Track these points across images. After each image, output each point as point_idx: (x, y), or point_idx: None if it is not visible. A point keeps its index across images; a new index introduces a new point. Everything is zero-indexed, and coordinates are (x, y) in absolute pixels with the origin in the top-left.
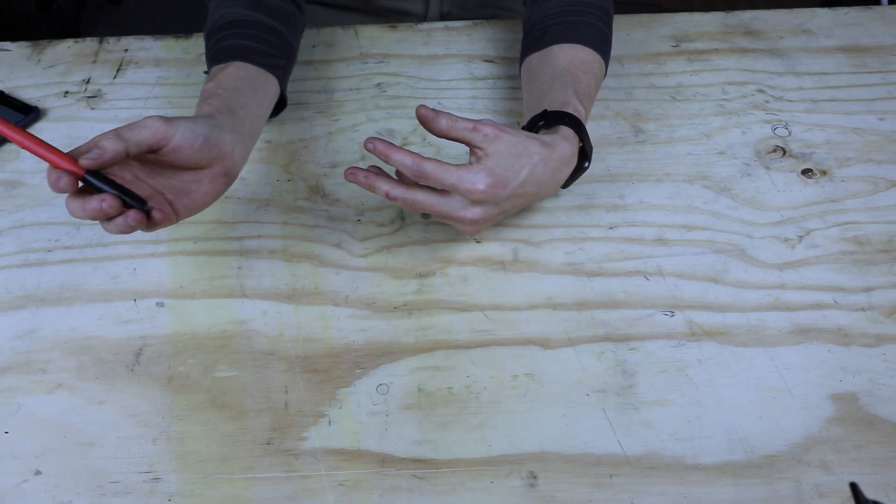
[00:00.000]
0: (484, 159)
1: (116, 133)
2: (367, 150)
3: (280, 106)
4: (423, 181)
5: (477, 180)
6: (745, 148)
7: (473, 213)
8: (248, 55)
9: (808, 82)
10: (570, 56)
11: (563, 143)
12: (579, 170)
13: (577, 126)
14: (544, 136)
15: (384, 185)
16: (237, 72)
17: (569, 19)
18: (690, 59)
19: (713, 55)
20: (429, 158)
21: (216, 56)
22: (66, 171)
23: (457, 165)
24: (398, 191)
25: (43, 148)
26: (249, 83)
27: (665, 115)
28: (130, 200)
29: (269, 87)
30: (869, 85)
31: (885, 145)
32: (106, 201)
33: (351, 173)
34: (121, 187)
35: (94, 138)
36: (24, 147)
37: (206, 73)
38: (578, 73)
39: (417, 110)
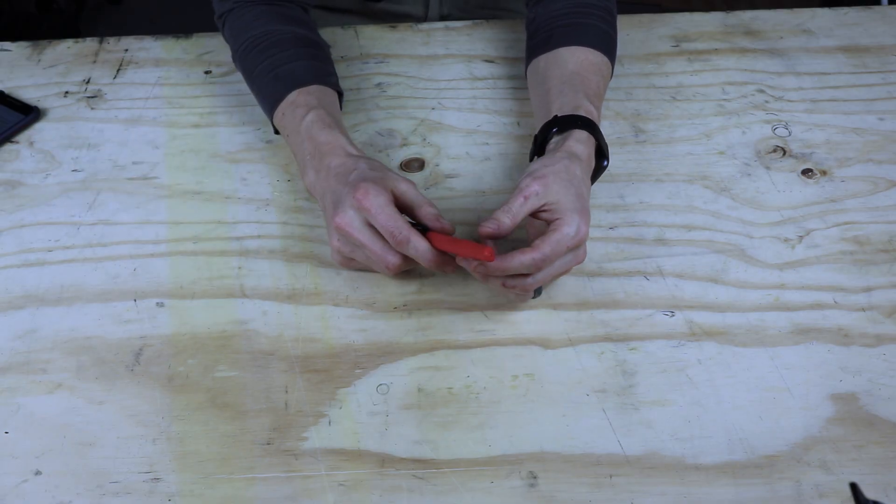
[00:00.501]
0: (558, 207)
1: (430, 205)
2: (477, 273)
3: None
4: (547, 265)
5: (578, 228)
6: (745, 148)
7: (579, 257)
8: (320, 78)
9: (808, 82)
10: (579, 59)
11: (579, 146)
12: (599, 169)
13: (591, 127)
14: (564, 150)
15: (499, 279)
16: (328, 97)
17: (575, 21)
18: (690, 59)
19: (713, 55)
20: (540, 243)
21: (288, 78)
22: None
23: (553, 230)
24: (517, 281)
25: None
26: (336, 106)
27: (665, 115)
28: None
29: (337, 103)
30: (869, 85)
31: (885, 145)
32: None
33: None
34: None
35: (433, 221)
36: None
37: (207, 72)
38: (587, 74)
39: (481, 233)
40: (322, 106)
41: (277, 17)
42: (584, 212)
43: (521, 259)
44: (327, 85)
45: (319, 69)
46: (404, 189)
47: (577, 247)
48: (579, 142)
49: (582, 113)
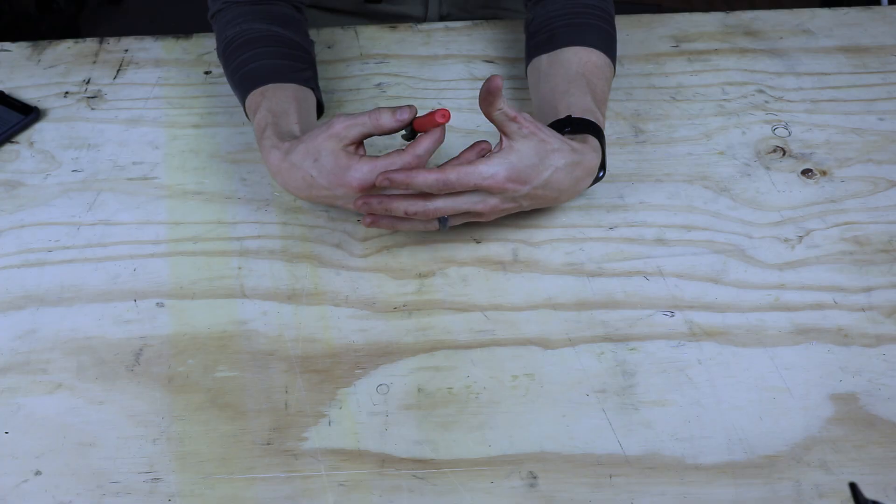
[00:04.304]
0: (508, 152)
1: (393, 107)
2: (381, 185)
3: (319, 113)
4: (449, 190)
5: (496, 172)
6: (745, 148)
7: (488, 204)
8: (279, 75)
9: (808, 82)
10: (583, 60)
11: (592, 154)
12: (595, 179)
13: (600, 136)
14: (574, 143)
15: (402, 204)
16: (276, 93)
17: (576, 21)
18: (690, 60)
19: (713, 55)
20: (449, 168)
21: (247, 80)
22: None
23: (476, 161)
24: (418, 205)
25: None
26: (293, 101)
27: (665, 115)
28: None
29: (309, 99)
30: (869, 85)
31: (885, 145)
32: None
33: (364, 204)
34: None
35: (387, 118)
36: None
37: (207, 72)
38: (593, 78)
39: (494, 80)
40: (265, 108)
41: (258, 15)
42: (521, 179)
43: (423, 176)
44: (290, 81)
45: (282, 67)
46: (347, 134)
47: (489, 191)
48: (594, 150)
49: (593, 119)
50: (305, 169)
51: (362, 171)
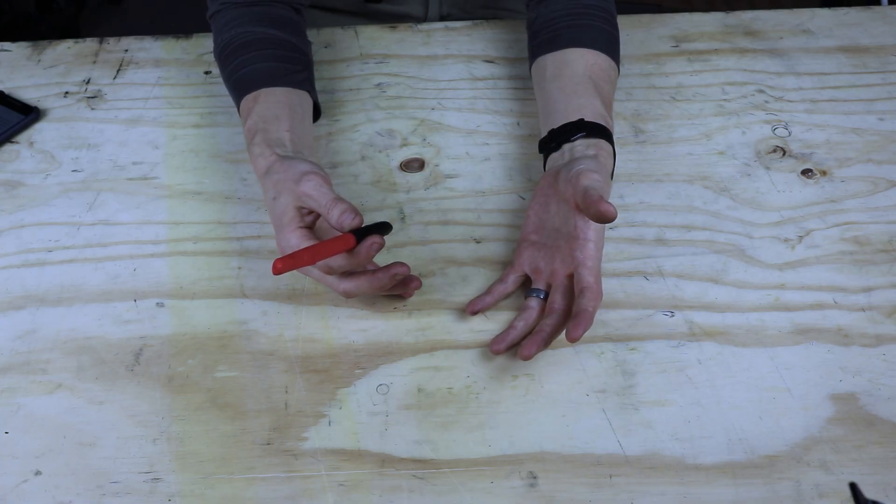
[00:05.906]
0: (585, 245)
1: (349, 207)
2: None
3: (315, 114)
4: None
5: (596, 272)
6: (745, 148)
7: (595, 293)
8: (272, 79)
9: (808, 82)
10: (590, 62)
11: (610, 160)
12: None
13: (612, 141)
14: (602, 159)
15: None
16: (268, 98)
17: (579, 22)
18: (690, 60)
19: (713, 55)
20: (588, 303)
21: (241, 85)
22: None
23: (583, 283)
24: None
25: (327, 249)
26: (285, 106)
27: (665, 115)
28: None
29: (303, 102)
30: (869, 85)
31: (885, 145)
32: (377, 243)
33: (526, 357)
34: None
35: (335, 216)
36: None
37: (206, 72)
38: (601, 82)
39: (608, 212)
40: (256, 113)
41: (255, 18)
42: (600, 252)
43: (587, 326)
44: (284, 84)
45: (275, 70)
46: (305, 202)
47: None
48: (610, 155)
49: (604, 124)
50: (268, 199)
51: (289, 241)
